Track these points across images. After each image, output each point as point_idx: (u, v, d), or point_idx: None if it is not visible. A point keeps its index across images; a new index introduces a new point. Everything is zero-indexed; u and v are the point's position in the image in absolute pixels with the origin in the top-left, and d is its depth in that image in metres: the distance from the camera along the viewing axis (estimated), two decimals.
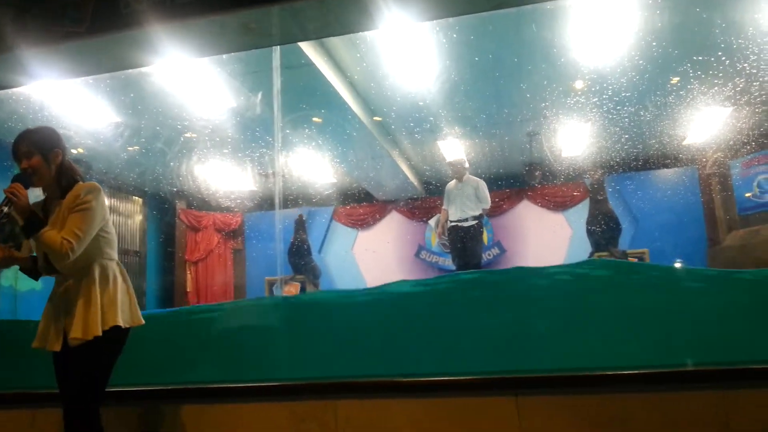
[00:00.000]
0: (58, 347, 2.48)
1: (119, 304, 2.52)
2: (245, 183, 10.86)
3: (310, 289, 8.50)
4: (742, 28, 5.73)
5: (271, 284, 8.74)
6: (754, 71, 6.59)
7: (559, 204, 11.08)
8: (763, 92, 7.16)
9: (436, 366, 3.35)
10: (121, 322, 2.50)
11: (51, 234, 2.34)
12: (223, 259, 12.22)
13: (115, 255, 2.63)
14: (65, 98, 6.60)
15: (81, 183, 2.52)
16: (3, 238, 2.54)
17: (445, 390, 3.15)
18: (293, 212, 9.30)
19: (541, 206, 11.26)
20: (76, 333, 2.39)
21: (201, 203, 11.80)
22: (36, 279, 2.62)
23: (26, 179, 2.42)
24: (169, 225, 11.72)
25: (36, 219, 2.36)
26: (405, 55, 6.11)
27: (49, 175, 2.50)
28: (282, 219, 10.12)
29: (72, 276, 2.49)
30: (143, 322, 2.67)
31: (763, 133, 8.63)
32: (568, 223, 10.85)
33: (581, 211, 9.40)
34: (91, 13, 3.77)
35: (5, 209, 2.26)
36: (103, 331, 2.42)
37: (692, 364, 3.02)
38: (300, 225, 8.91)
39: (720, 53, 6.24)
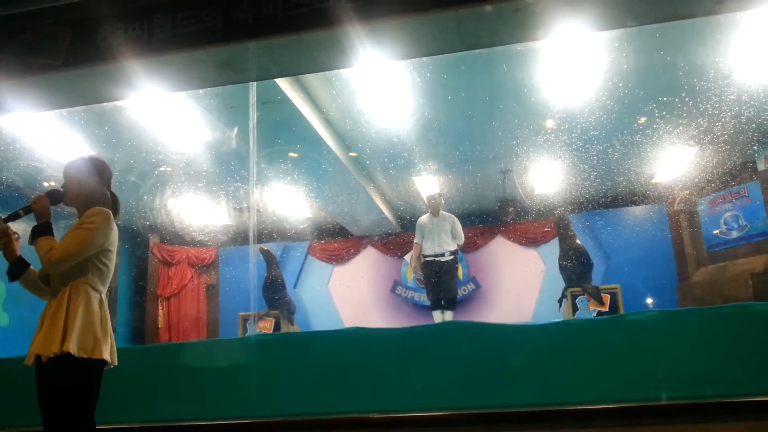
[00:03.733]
0: (29, 362, 2.45)
1: (80, 331, 2.43)
2: (220, 217, 10.77)
3: (284, 324, 8.36)
4: (703, 71, 5.96)
5: (245, 320, 8.58)
6: (716, 112, 6.83)
7: (531, 240, 11.20)
8: (725, 132, 7.40)
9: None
10: (75, 350, 2.38)
11: (45, 242, 2.50)
12: (196, 294, 12.02)
13: (101, 288, 2.60)
14: (38, 130, 6.54)
15: (97, 207, 2.63)
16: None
17: (420, 426, 3.12)
18: (268, 247, 9.22)
19: (515, 242, 11.37)
20: (33, 348, 2.43)
21: (174, 237, 11.66)
22: (12, 279, 2.64)
23: (55, 195, 2.70)
24: (141, 259, 11.53)
25: (44, 228, 2.55)
26: (380, 92, 6.22)
27: (77, 197, 2.70)
28: (256, 254, 10.02)
29: (54, 292, 2.54)
30: (112, 362, 2.57)
31: (726, 171, 8.90)
32: (542, 259, 10.95)
33: (554, 247, 9.49)
34: (67, 45, 3.78)
35: (21, 212, 2.61)
36: (58, 356, 2.37)
37: (666, 398, 3.05)
38: (270, 259, 8.80)
39: (684, 94, 6.46)
